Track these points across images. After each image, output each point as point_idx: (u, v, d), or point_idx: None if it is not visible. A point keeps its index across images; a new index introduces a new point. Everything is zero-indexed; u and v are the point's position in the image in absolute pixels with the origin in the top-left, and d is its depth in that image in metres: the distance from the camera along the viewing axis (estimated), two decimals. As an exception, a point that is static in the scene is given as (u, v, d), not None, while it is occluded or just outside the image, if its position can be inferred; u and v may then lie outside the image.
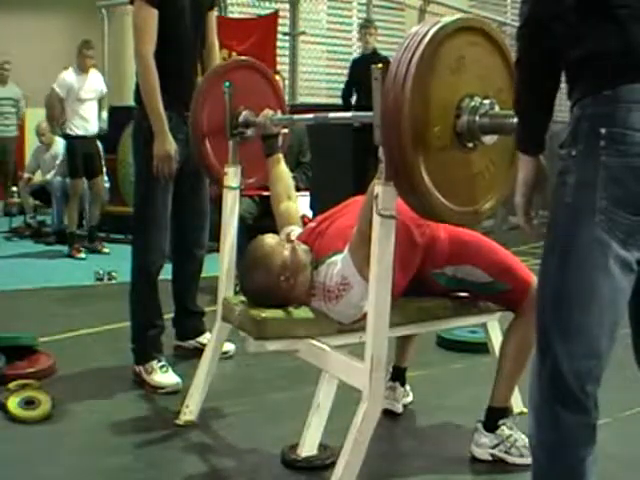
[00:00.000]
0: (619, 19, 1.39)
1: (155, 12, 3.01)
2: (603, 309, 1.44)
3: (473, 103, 1.84)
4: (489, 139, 1.87)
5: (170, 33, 3.06)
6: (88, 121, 6.52)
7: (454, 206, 1.90)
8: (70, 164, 6.65)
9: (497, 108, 1.86)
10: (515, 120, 1.61)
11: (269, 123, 2.68)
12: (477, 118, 1.83)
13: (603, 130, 1.39)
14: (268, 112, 2.70)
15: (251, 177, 2.96)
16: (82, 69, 6.50)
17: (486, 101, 1.85)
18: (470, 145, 1.88)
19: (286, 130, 2.87)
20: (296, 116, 3.04)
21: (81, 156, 6.52)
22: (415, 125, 1.77)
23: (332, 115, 2.36)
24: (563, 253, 1.45)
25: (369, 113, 2.02)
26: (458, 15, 1.96)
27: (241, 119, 2.78)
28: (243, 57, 3.12)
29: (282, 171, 2.76)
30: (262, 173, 2.90)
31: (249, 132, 2.79)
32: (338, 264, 2.30)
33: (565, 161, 1.46)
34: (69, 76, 6.46)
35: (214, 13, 3.40)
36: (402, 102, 1.76)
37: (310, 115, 2.63)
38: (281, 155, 2.77)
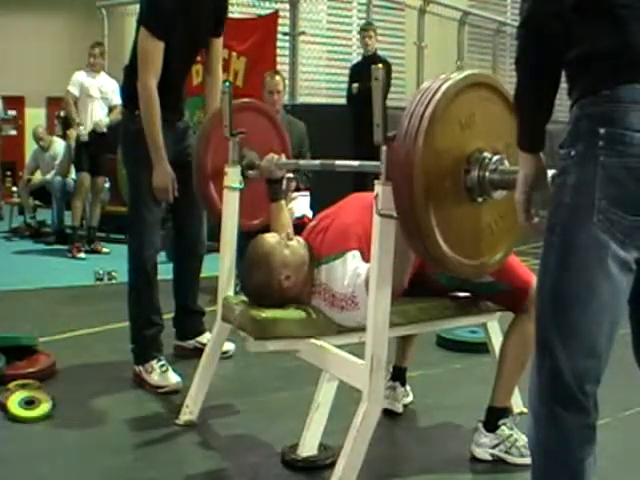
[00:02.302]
0: (618, 19, 1.39)
1: (161, 45, 2.96)
2: (602, 309, 1.44)
3: (483, 158, 1.85)
4: (499, 194, 1.88)
5: (165, 57, 2.98)
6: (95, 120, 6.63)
7: (462, 259, 1.92)
8: (76, 158, 6.81)
9: (506, 163, 1.86)
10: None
11: (273, 167, 2.68)
12: (487, 174, 1.84)
13: (602, 130, 1.39)
14: (273, 157, 2.69)
15: (255, 218, 2.97)
16: (91, 69, 6.69)
17: (495, 157, 1.86)
18: (480, 200, 1.89)
19: (291, 175, 2.88)
20: (302, 161, 3.07)
21: (87, 153, 6.63)
22: (426, 179, 1.79)
23: (338, 163, 2.43)
24: (562, 253, 1.45)
25: (376, 163, 2.03)
26: (468, 71, 1.96)
27: (245, 161, 2.78)
28: (248, 99, 3.11)
29: (284, 220, 2.73)
30: (266, 214, 2.84)
31: (252, 174, 2.79)
32: (348, 273, 2.30)
33: (564, 161, 1.45)
34: (80, 75, 6.68)
35: (220, 41, 3.29)
36: (414, 156, 1.78)
37: (316, 162, 2.65)
38: (284, 202, 2.75)
